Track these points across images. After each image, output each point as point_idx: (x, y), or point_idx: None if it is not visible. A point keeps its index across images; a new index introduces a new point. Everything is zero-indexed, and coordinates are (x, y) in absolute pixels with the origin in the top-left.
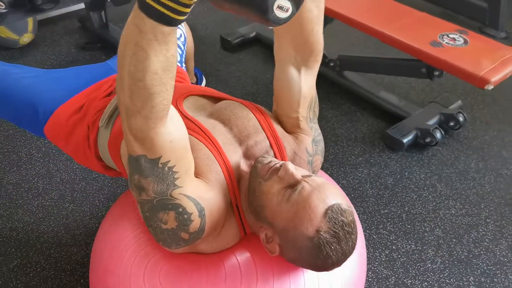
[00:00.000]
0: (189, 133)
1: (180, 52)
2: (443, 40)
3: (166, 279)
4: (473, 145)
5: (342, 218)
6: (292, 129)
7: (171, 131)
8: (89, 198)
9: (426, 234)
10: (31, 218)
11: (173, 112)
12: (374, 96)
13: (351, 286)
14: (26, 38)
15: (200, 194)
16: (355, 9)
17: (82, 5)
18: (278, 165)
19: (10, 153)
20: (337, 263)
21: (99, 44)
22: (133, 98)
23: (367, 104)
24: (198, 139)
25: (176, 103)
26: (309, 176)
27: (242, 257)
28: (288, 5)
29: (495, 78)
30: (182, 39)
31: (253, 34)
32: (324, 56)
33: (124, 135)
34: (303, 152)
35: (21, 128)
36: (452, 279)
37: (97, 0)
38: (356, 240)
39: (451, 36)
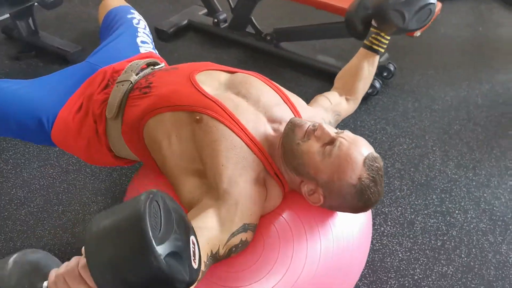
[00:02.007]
0: (215, 117)
1: (151, 40)
2: None
3: None
4: (405, 90)
5: (376, 164)
6: (316, 105)
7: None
8: (75, 197)
9: (389, 169)
10: (23, 227)
11: None
12: (313, 61)
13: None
14: None
15: (232, 227)
16: None
17: (5, 15)
18: (312, 127)
19: None
20: (375, 203)
21: (33, 52)
22: None
23: (308, 69)
24: (223, 122)
25: (191, 81)
26: (342, 132)
27: (286, 214)
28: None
29: None
30: (147, 29)
31: (186, 21)
32: (260, 32)
33: None
34: (319, 109)
35: None
36: (419, 200)
37: (24, 7)
38: None
39: None
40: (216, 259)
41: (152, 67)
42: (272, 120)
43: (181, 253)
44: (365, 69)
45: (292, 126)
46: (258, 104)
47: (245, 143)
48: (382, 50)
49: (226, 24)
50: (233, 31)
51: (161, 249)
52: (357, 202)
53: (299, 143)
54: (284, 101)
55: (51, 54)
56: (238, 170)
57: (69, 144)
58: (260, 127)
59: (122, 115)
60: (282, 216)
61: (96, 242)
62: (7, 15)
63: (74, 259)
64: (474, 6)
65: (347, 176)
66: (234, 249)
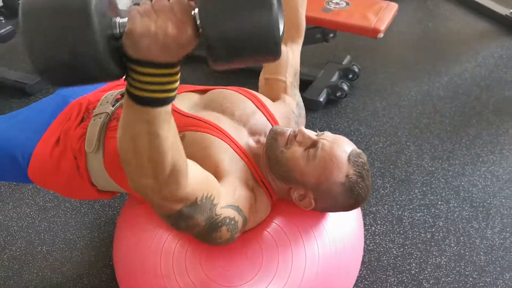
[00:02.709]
0: (201, 131)
1: None
2: (330, 6)
3: (225, 259)
4: (372, 89)
5: (361, 160)
6: (279, 92)
7: (193, 175)
8: (59, 235)
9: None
10: (8, 273)
11: None
12: None
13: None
14: None
15: (231, 198)
16: None
17: None
18: (292, 133)
19: None
20: (365, 198)
21: None
22: (158, 177)
23: None
24: (212, 134)
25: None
26: (322, 133)
27: (278, 221)
28: (282, 27)
29: (383, 26)
30: None
31: None
32: None
33: (156, 206)
34: (290, 113)
35: None
36: (403, 196)
37: None
38: None
39: (335, 1)
40: (211, 211)
41: None
42: (252, 132)
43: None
44: None
45: (274, 135)
46: (236, 117)
47: (233, 150)
48: None
49: None
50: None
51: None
52: (348, 200)
53: (282, 150)
54: (258, 108)
55: (8, 88)
56: (232, 170)
57: (48, 181)
58: (242, 138)
59: (103, 148)
60: (276, 223)
61: None
62: None
63: None
64: (421, 2)
65: (334, 175)
66: (227, 221)
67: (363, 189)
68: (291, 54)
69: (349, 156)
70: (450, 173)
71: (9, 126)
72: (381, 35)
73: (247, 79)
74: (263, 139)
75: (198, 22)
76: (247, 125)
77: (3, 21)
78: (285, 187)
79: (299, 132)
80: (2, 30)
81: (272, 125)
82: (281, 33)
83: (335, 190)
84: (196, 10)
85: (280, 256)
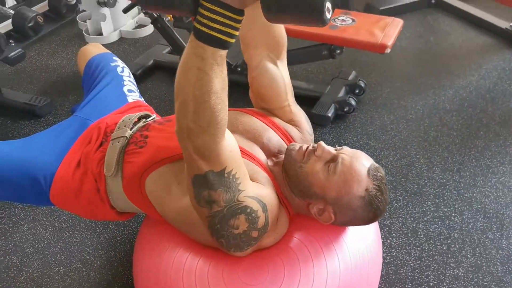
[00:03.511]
0: None
1: (136, 87)
2: (337, 23)
3: (247, 273)
4: (378, 104)
5: (380, 174)
6: (287, 116)
7: (229, 141)
8: (75, 255)
9: None
10: None
11: None
12: None
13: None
14: None
15: (259, 192)
16: None
17: None
18: (311, 147)
19: None
20: (383, 211)
21: None
22: (198, 120)
23: None
24: None
25: None
26: (340, 148)
27: (299, 235)
28: (331, 6)
29: (390, 42)
30: (131, 76)
31: (151, 61)
32: (230, 64)
33: (187, 157)
34: (306, 134)
35: None
36: (416, 208)
37: None
38: None
39: (341, 18)
40: (234, 190)
41: (144, 120)
42: (265, 149)
43: None
44: None
45: (289, 151)
46: (249, 137)
47: (256, 165)
48: None
49: None
50: None
51: None
52: (367, 213)
53: (301, 165)
54: (270, 126)
55: (18, 110)
56: (260, 178)
57: (69, 203)
58: (258, 154)
59: (122, 172)
60: (296, 238)
61: None
62: None
63: None
64: (421, 18)
65: (354, 189)
66: (248, 210)
67: (381, 202)
68: (283, 72)
69: (368, 170)
70: (462, 184)
71: (29, 150)
72: (388, 50)
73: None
74: (276, 157)
75: None
76: (259, 142)
77: (13, 44)
78: (303, 203)
79: (318, 146)
80: (12, 53)
81: (286, 143)
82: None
83: (355, 203)
84: None
85: (302, 271)
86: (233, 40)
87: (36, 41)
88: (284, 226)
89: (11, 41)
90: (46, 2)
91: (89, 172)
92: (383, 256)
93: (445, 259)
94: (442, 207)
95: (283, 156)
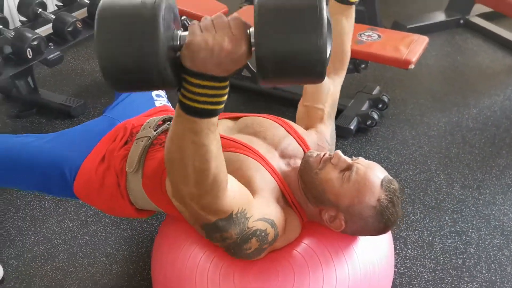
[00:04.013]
0: (235, 151)
1: (164, 93)
2: (363, 38)
3: (258, 278)
4: (401, 119)
5: (393, 186)
6: (316, 121)
7: (232, 189)
8: (100, 248)
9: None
10: (51, 283)
11: None
12: None
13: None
14: None
15: (264, 211)
16: None
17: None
18: (328, 155)
19: None
20: (394, 223)
21: (34, 109)
22: (200, 186)
23: None
24: (245, 154)
25: None
26: (356, 158)
27: (309, 242)
28: (330, 50)
29: (415, 58)
30: None
31: None
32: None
33: (193, 213)
34: (324, 142)
35: None
36: (433, 222)
37: (25, 68)
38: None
39: (367, 34)
40: (243, 224)
41: (168, 122)
42: (283, 155)
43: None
44: (345, 26)
45: (307, 158)
46: (268, 141)
47: (267, 170)
48: (357, 0)
49: None
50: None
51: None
52: (378, 224)
53: (316, 172)
54: (289, 133)
55: (53, 110)
56: (265, 188)
57: (91, 196)
58: (275, 161)
59: (142, 169)
60: (307, 244)
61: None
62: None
63: (219, 13)
64: (450, 37)
65: (367, 198)
66: (258, 232)
67: (392, 214)
68: (332, 86)
69: (382, 182)
70: (481, 201)
71: (59, 143)
72: (412, 66)
73: (282, 106)
74: (293, 162)
75: (252, 40)
76: (278, 148)
77: (52, 47)
78: (316, 209)
79: (335, 155)
80: (51, 56)
81: (304, 150)
82: (328, 55)
83: (366, 213)
84: (252, 29)
85: (312, 277)
86: (222, 106)
87: (73, 45)
88: (295, 231)
89: (51, 44)
90: (85, 9)
91: (111, 168)
92: (397, 266)
93: (459, 273)
94: (459, 222)
95: (300, 161)
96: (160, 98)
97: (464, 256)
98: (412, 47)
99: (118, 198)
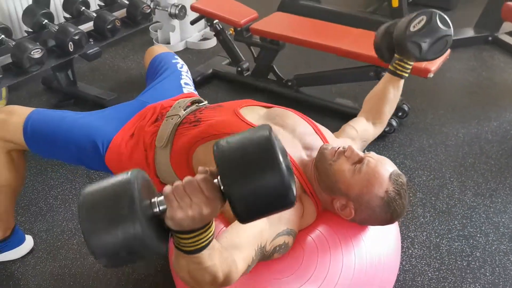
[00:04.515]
0: None
1: (192, 82)
2: None
3: None
4: (420, 128)
5: (401, 180)
6: (343, 135)
7: (241, 267)
8: None
9: (411, 198)
10: (76, 255)
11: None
12: (332, 103)
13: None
14: (2, 105)
15: (277, 228)
16: (306, 33)
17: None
18: (342, 148)
19: (29, 206)
20: (400, 215)
21: (72, 100)
22: (215, 285)
23: (328, 111)
24: None
25: (236, 114)
26: (368, 153)
27: (321, 228)
28: (294, 187)
29: (434, 67)
30: (189, 73)
31: (210, 70)
32: (281, 78)
33: None
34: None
35: (31, 184)
36: (442, 226)
37: (67, 60)
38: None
39: None
40: (263, 254)
41: (196, 104)
42: (306, 147)
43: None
44: (390, 93)
45: (323, 150)
46: (294, 133)
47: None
48: (406, 75)
49: (249, 73)
50: (256, 79)
51: (284, 163)
52: (385, 214)
53: (330, 163)
54: (316, 132)
55: (89, 102)
56: None
57: (120, 167)
58: (296, 151)
59: (171, 144)
60: (319, 230)
61: (229, 155)
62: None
63: (188, 178)
64: (477, 53)
65: (375, 189)
66: (278, 248)
67: (399, 206)
68: (372, 130)
69: (390, 175)
70: (492, 209)
71: (95, 119)
72: (431, 75)
73: (305, 109)
74: (314, 154)
75: (221, 188)
76: (302, 140)
77: (92, 42)
78: (329, 198)
79: (348, 148)
80: (91, 50)
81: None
82: (294, 192)
83: (374, 202)
84: (218, 178)
85: (319, 259)
86: (212, 238)
87: (111, 44)
88: (311, 216)
89: (91, 40)
90: (124, 10)
91: (140, 143)
92: (402, 263)
93: (463, 274)
94: (468, 227)
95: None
96: (188, 86)
97: (470, 259)
98: None
99: (143, 168)
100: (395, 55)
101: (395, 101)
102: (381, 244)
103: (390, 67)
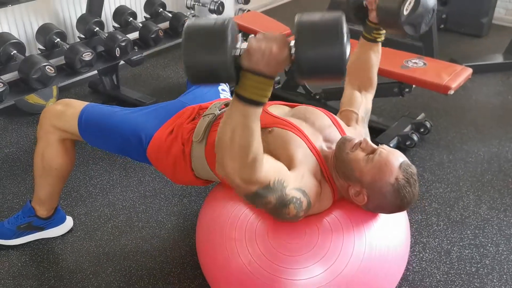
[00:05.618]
0: (285, 129)
1: (228, 89)
2: (409, 64)
3: (288, 234)
4: (441, 144)
5: (411, 170)
6: (352, 122)
7: (267, 164)
8: (153, 217)
9: (426, 207)
10: (110, 236)
11: None
12: None
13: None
14: (52, 103)
15: (298, 183)
16: None
17: (94, 72)
18: (358, 141)
19: (71, 191)
20: (410, 202)
21: (115, 102)
22: (242, 161)
23: None
24: (293, 132)
25: (264, 110)
26: (382, 145)
27: (336, 213)
28: (349, 52)
29: (454, 85)
30: None
31: None
32: (310, 92)
33: (236, 187)
34: (360, 137)
35: (74, 173)
36: (455, 234)
37: (111, 65)
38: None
39: (413, 61)
40: (282, 193)
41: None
42: (326, 139)
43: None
44: (374, 59)
45: (343, 141)
46: (314, 126)
47: (308, 147)
48: (383, 38)
49: (279, 86)
50: (286, 92)
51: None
52: (395, 200)
53: (348, 152)
54: (334, 124)
55: (130, 105)
56: (304, 162)
57: (159, 160)
58: (317, 141)
59: (206, 139)
60: (334, 215)
61: (304, 24)
62: (95, 72)
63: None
64: (504, 78)
65: (387, 176)
66: (294, 200)
67: (409, 193)
68: (364, 99)
69: (401, 164)
70: (505, 223)
71: (141, 115)
72: (451, 92)
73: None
74: (333, 146)
75: (292, 51)
76: (323, 133)
77: (137, 50)
78: (345, 184)
79: (363, 140)
80: (135, 57)
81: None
82: (347, 57)
83: (385, 189)
84: (292, 42)
85: (333, 242)
86: (266, 100)
87: (153, 54)
88: (328, 200)
89: (135, 47)
90: (167, 22)
91: (178, 138)
92: (412, 265)
93: (471, 279)
94: (480, 237)
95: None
96: (224, 92)
97: (478, 266)
98: (454, 76)
99: (181, 162)
100: (369, 23)
101: (378, 63)
102: (391, 237)
103: (367, 35)
